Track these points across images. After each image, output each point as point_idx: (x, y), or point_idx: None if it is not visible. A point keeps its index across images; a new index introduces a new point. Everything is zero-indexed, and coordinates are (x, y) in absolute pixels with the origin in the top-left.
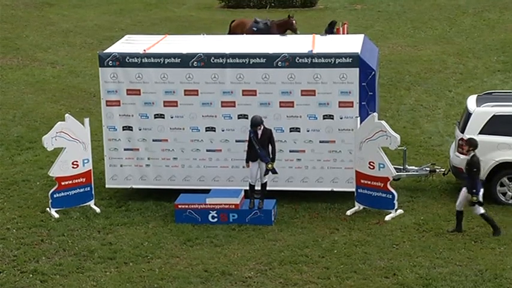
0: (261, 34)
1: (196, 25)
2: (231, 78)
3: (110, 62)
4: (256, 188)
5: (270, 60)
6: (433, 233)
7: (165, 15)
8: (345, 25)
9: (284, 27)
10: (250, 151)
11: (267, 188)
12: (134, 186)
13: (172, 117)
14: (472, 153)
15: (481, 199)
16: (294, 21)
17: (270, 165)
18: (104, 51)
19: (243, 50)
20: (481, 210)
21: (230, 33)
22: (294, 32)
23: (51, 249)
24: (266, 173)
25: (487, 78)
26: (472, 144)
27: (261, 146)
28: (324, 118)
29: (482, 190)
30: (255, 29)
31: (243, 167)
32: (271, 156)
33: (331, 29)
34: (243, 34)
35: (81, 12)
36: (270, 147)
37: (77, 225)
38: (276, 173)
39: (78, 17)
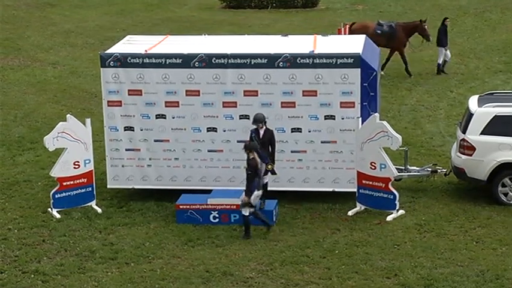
0: (386, 37)
1: (197, 25)
2: (232, 79)
3: (112, 62)
4: None
5: (271, 61)
6: (434, 233)
7: (166, 16)
8: (346, 26)
9: (412, 31)
10: None
11: (268, 189)
12: (136, 187)
13: (173, 118)
14: (252, 156)
15: (252, 201)
16: (426, 27)
17: (269, 166)
18: (106, 52)
19: (244, 50)
20: (247, 212)
21: None
22: (427, 38)
23: (52, 250)
24: (265, 173)
25: (488, 79)
26: (247, 147)
27: (262, 146)
28: (325, 118)
29: (257, 193)
30: (379, 31)
31: (244, 167)
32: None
33: (444, 27)
34: None
35: (83, 12)
36: (269, 148)
37: (79, 225)
38: (275, 173)
39: (79, 18)
